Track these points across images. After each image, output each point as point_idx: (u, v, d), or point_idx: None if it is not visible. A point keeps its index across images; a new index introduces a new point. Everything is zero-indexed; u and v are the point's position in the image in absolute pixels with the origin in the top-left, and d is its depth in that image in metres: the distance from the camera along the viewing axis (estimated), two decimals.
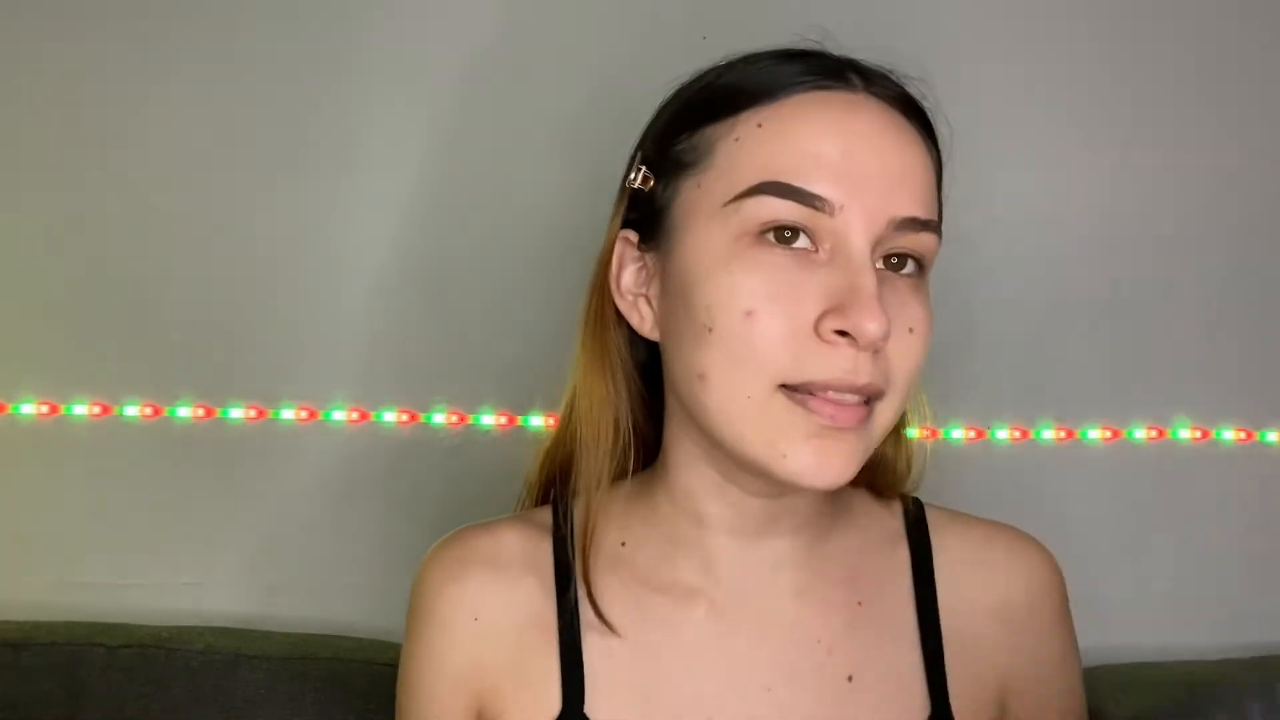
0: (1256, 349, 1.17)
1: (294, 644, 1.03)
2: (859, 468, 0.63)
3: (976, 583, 0.73)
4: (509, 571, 0.72)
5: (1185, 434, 1.16)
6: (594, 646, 0.70)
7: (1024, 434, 1.16)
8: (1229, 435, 1.17)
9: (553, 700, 0.69)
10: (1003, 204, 1.15)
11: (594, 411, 0.71)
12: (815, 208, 0.61)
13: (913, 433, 0.79)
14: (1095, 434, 1.16)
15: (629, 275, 0.69)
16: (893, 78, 0.67)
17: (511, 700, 0.70)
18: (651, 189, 0.68)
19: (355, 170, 1.14)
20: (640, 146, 0.71)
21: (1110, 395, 1.16)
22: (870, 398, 0.62)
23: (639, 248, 0.69)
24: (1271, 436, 1.17)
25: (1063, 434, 1.16)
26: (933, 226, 0.64)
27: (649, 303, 0.69)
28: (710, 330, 0.62)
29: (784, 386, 0.61)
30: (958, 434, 1.15)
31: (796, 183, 0.61)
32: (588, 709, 0.68)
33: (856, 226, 0.61)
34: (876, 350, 0.61)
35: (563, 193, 1.11)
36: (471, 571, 0.72)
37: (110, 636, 1.02)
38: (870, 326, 0.59)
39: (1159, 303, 1.16)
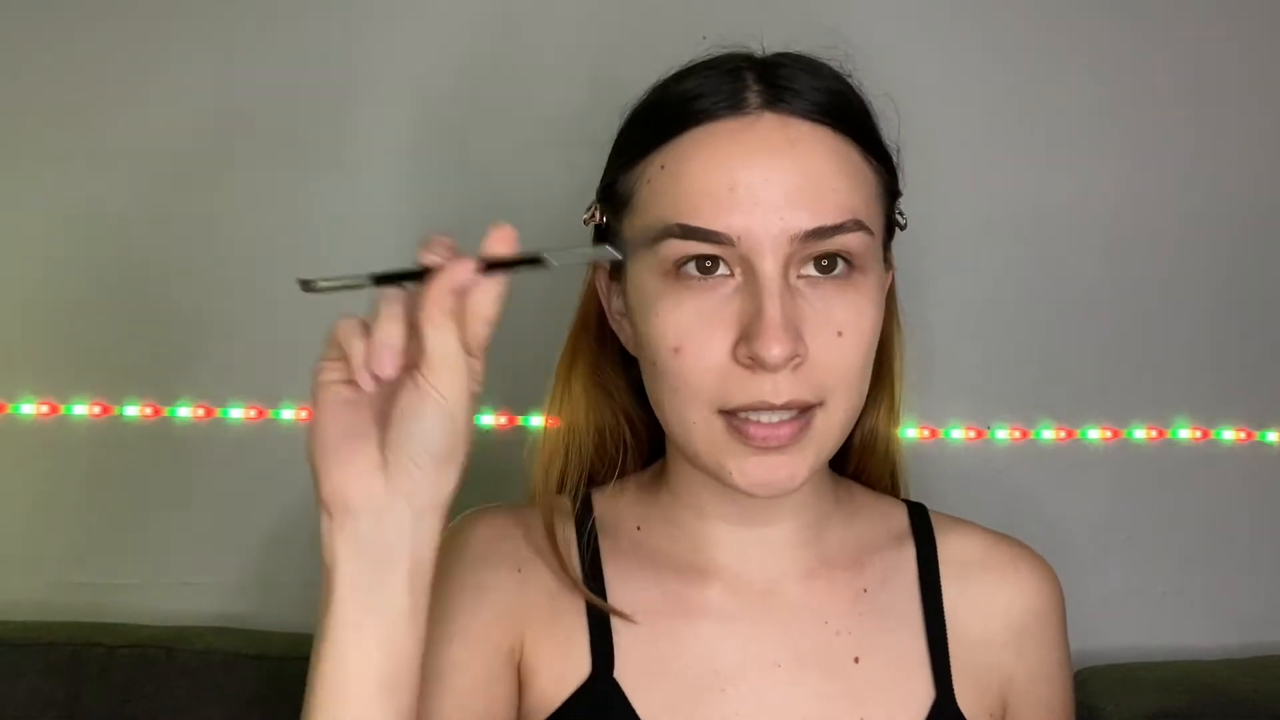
0: (1256, 349, 1.17)
1: (294, 644, 1.03)
2: (810, 471, 0.67)
3: (983, 585, 0.76)
4: (541, 543, 0.75)
5: (1185, 434, 1.16)
6: (619, 620, 0.72)
7: (1024, 434, 1.16)
8: (1229, 435, 1.17)
9: (583, 663, 0.71)
10: (1002, 204, 1.15)
11: (565, 425, 0.77)
12: (717, 241, 0.64)
13: (910, 432, 0.80)
14: (1095, 434, 1.16)
15: (616, 298, 0.74)
16: (805, 79, 0.68)
17: (543, 657, 0.72)
18: (607, 224, 0.73)
19: (355, 170, 1.14)
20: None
21: (1110, 395, 1.16)
22: (801, 410, 0.65)
23: (612, 276, 0.74)
24: (1271, 436, 1.17)
25: (1063, 434, 1.16)
26: (848, 227, 0.65)
27: (631, 324, 0.73)
28: (654, 364, 0.67)
29: (721, 412, 0.65)
30: (958, 434, 1.15)
31: (693, 223, 0.65)
32: (617, 674, 0.71)
33: (758, 252, 0.64)
34: (796, 367, 0.64)
35: (562, 192, 1.11)
36: (514, 533, 0.76)
37: (110, 636, 1.02)
38: (768, 354, 0.62)
39: (1159, 303, 1.16)
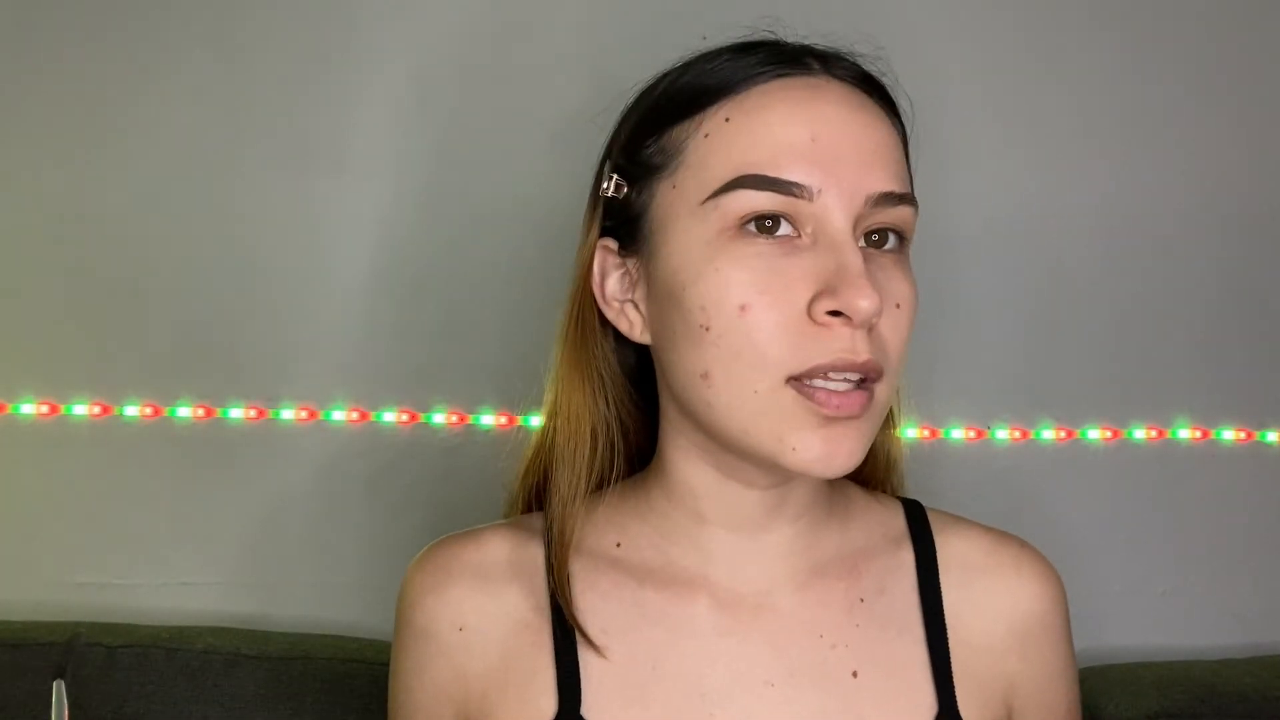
0: (1256, 349, 1.17)
1: (294, 644, 1.03)
2: (865, 453, 0.63)
3: (985, 587, 0.73)
4: (495, 578, 0.71)
5: (1185, 434, 1.16)
6: (590, 647, 0.68)
7: (1024, 434, 1.16)
8: (1229, 435, 1.17)
9: (547, 703, 0.68)
10: (1003, 204, 1.16)
11: (570, 423, 0.71)
12: (794, 195, 0.61)
13: (910, 432, 0.79)
14: (1095, 434, 1.16)
15: (613, 283, 0.69)
16: (849, 58, 0.68)
17: (501, 706, 0.69)
18: (625, 195, 0.68)
19: (355, 170, 1.14)
20: (608, 155, 0.71)
21: (1110, 395, 1.16)
22: (869, 378, 0.62)
23: (619, 254, 0.69)
24: (1271, 436, 1.17)
25: (1063, 434, 1.16)
26: (908, 199, 0.65)
27: (636, 308, 0.69)
28: (707, 330, 0.62)
29: (791, 379, 0.61)
30: (958, 434, 1.15)
31: (772, 173, 0.62)
32: (584, 710, 0.67)
33: (835, 208, 0.62)
34: (871, 327, 0.61)
35: (562, 191, 1.11)
36: (455, 581, 0.71)
37: (110, 636, 1.02)
38: (863, 303, 0.59)
39: (1159, 303, 1.16)
